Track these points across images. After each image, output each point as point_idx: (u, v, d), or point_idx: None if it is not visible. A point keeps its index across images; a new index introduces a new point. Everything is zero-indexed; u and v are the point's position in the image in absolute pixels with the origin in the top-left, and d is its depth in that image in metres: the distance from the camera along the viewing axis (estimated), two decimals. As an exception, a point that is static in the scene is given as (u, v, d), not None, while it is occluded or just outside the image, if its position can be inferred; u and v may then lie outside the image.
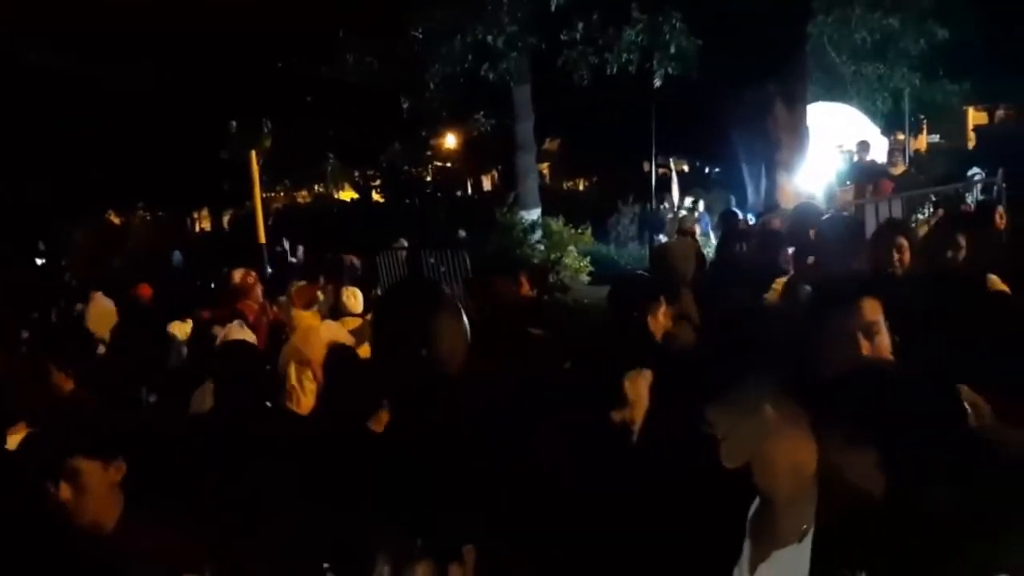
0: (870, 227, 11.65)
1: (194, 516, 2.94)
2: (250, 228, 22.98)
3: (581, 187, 32.58)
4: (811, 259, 5.77)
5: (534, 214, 17.41)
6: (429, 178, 23.91)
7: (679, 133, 18.34)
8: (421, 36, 16.19)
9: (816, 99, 17.25)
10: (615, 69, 15.55)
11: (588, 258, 15.83)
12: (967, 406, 2.39)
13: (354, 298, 7.76)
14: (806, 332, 3.07)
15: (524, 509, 2.38)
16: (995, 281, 4.54)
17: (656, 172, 15.41)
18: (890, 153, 16.31)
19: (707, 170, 25.84)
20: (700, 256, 10.15)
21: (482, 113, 19.57)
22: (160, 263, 20.45)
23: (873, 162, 14.69)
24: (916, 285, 4.53)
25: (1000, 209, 7.34)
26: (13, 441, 3.72)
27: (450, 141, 24.08)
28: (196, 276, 18.36)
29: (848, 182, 13.53)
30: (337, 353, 4.31)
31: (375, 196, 25.14)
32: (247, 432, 3.85)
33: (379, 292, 11.87)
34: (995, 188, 14.79)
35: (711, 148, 19.51)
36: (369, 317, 7.38)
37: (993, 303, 4.11)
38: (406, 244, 16.70)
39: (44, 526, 2.73)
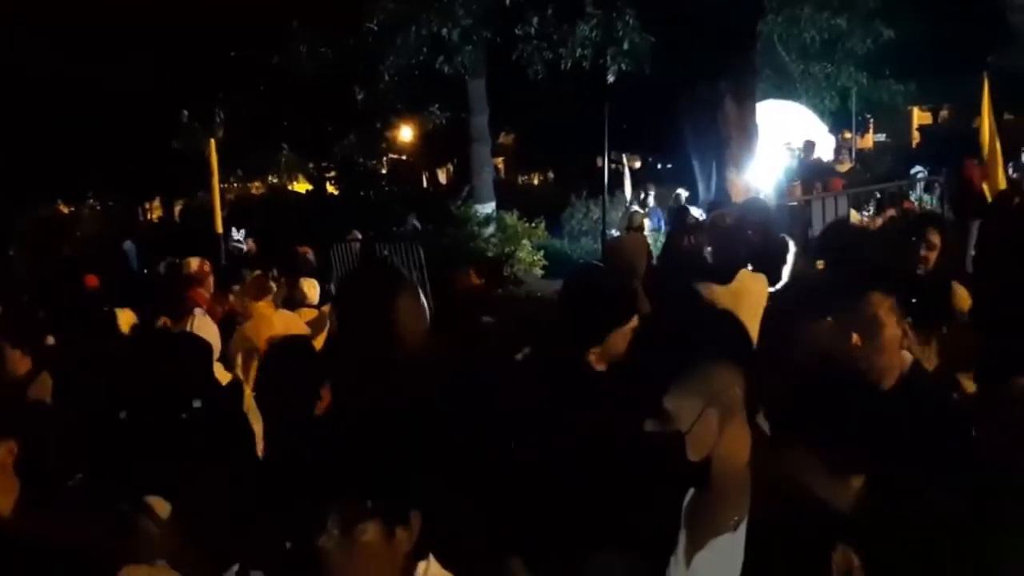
0: (817, 222, 11.96)
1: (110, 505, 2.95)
2: (203, 218, 22.81)
3: (536, 181, 32.72)
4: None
5: (488, 207, 17.52)
6: (384, 170, 23.84)
7: (632, 128, 18.51)
8: (376, 28, 16.15)
9: (766, 97, 17.47)
10: (569, 64, 15.67)
11: (542, 252, 15.98)
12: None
13: (311, 289, 7.82)
14: (795, 324, 3.17)
15: (474, 480, 2.48)
16: (962, 294, 4.61)
17: (609, 167, 15.52)
18: (837, 151, 16.67)
19: (659, 165, 26.06)
20: (649, 252, 10.35)
21: (437, 106, 19.59)
22: (111, 253, 20.20)
23: (820, 160, 14.99)
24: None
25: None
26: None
27: (405, 134, 24.03)
28: (148, 266, 18.19)
29: (796, 179, 13.79)
30: (278, 342, 4.37)
31: (330, 188, 25.01)
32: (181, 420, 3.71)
33: (333, 285, 11.93)
34: (937, 186, 15.20)
35: (663, 144, 19.68)
36: (325, 309, 7.45)
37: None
38: (360, 236, 16.68)
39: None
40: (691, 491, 2.06)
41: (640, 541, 2.12)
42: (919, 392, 2.85)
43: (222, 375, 4.90)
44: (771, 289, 5.69)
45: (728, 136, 15.54)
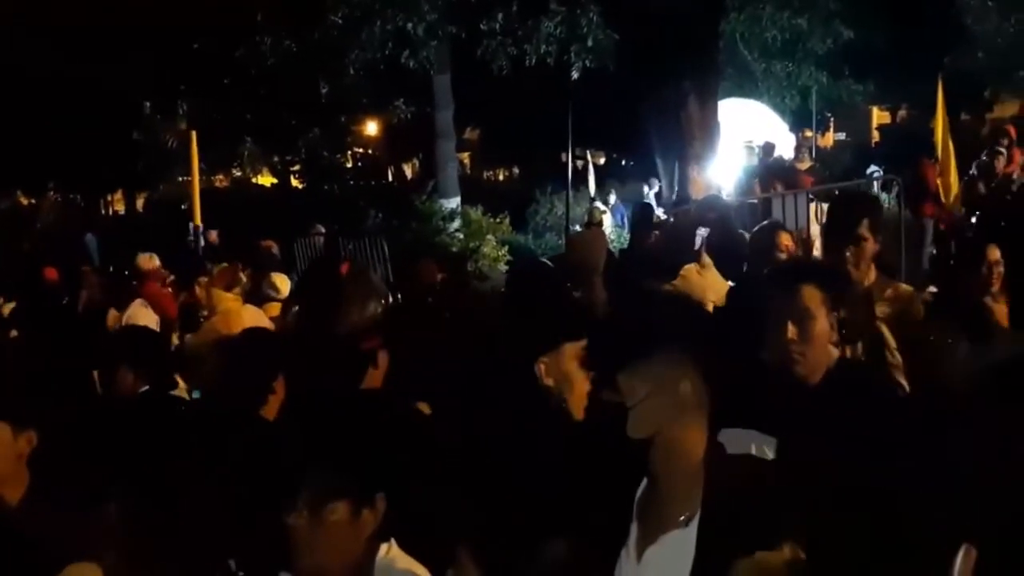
0: (776, 219, 12.12)
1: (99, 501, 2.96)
2: (166, 211, 22.65)
3: (501, 177, 32.76)
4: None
5: (453, 203, 17.55)
6: (349, 165, 23.77)
7: (596, 125, 18.61)
8: (340, 22, 16.12)
9: (728, 95, 17.70)
10: (534, 60, 15.75)
11: (506, 247, 16.04)
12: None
13: (283, 283, 7.83)
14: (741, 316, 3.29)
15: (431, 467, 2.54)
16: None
17: (573, 163, 15.63)
18: (797, 149, 16.89)
19: (624, 162, 26.19)
20: (608, 247, 10.42)
21: (402, 101, 19.57)
22: (72, 246, 19.99)
23: (780, 158, 15.19)
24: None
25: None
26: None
27: (370, 128, 24.00)
28: (111, 259, 18.01)
29: (756, 177, 13.97)
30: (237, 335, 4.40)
31: (294, 182, 24.92)
32: (146, 417, 3.79)
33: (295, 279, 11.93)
34: (895, 184, 15.45)
35: (627, 141, 19.82)
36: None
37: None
38: (323, 230, 16.66)
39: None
40: (644, 483, 2.08)
41: (591, 530, 2.15)
42: (846, 387, 2.88)
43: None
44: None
45: (691, 134, 15.72)
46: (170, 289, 8.87)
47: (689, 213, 10.83)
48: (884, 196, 14.83)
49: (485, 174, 32.35)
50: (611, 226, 14.87)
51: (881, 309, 4.02)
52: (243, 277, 7.54)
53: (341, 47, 16.32)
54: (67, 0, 17.31)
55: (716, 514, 1.95)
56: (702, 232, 7.18)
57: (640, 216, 10.69)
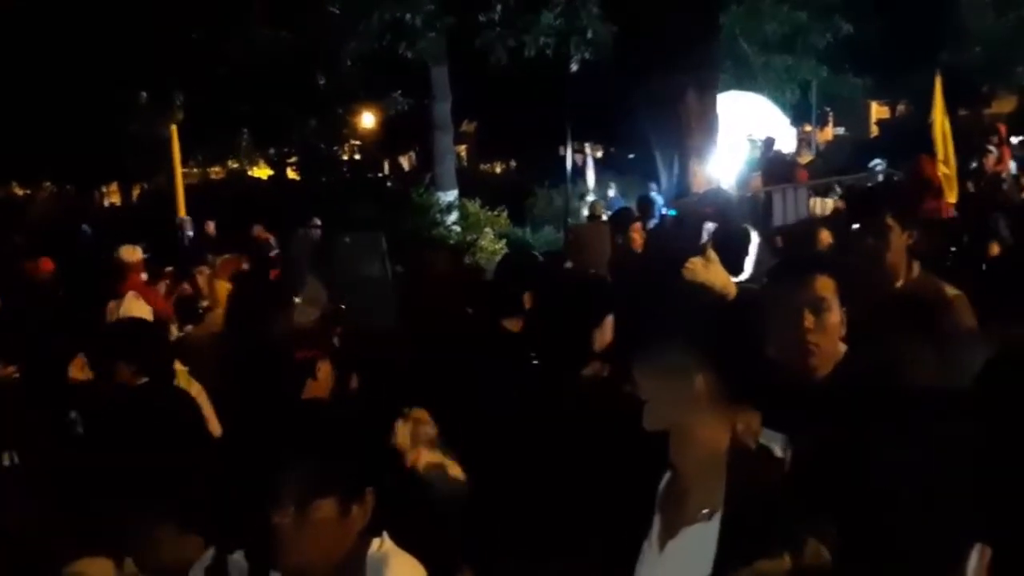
0: (778, 214, 12.09)
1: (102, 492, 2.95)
2: (161, 203, 22.54)
3: (499, 170, 32.67)
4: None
5: (451, 195, 17.45)
6: (346, 156, 23.65)
7: (594, 118, 18.53)
8: (337, 12, 16.01)
9: (727, 88, 17.61)
10: (532, 52, 15.64)
11: (504, 241, 15.94)
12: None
13: (276, 277, 7.77)
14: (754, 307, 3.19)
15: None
16: None
17: (572, 157, 15.54)
18: (798, 143, 16.84)
19: (622, 156, 26.13)
20: (611, 240, 10.39)
21: (399, 92, 19.45)
22: (67, 237, 19.88)
23: (780, 152, 15.13)
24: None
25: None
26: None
27: (367, 120, 23.86)
28: (105, 251, 17.89)
29: (757, 171, 13.91)
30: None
31: (291, 174, 24.80)
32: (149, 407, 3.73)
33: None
34: (896, 179, 15.40)
35: (626, 134, 19.74)
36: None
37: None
38: (319, 223, 16.57)
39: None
40: (666, 476, 2.09)
41: (614, 522, 2.13)
42: (854, 382, 2.81)
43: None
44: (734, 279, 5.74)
45: (690, 127, 15.62)
46: (165, 282, 8.84)
47: (691, 206, 10.80)
48: (884, 190, 14.80)
49: (482, 167, 32.27)
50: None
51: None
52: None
53: (338, 38, 16.20)
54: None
55: (739, 509, 1.95)
56: (709, 226, 7.14)
57: (647, 211, 10.62)
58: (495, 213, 17.06)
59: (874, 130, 27.23)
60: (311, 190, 20.01)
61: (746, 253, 7.07)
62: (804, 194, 12.38)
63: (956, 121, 12.14)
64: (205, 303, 7.01)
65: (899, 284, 3.92)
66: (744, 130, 16.49)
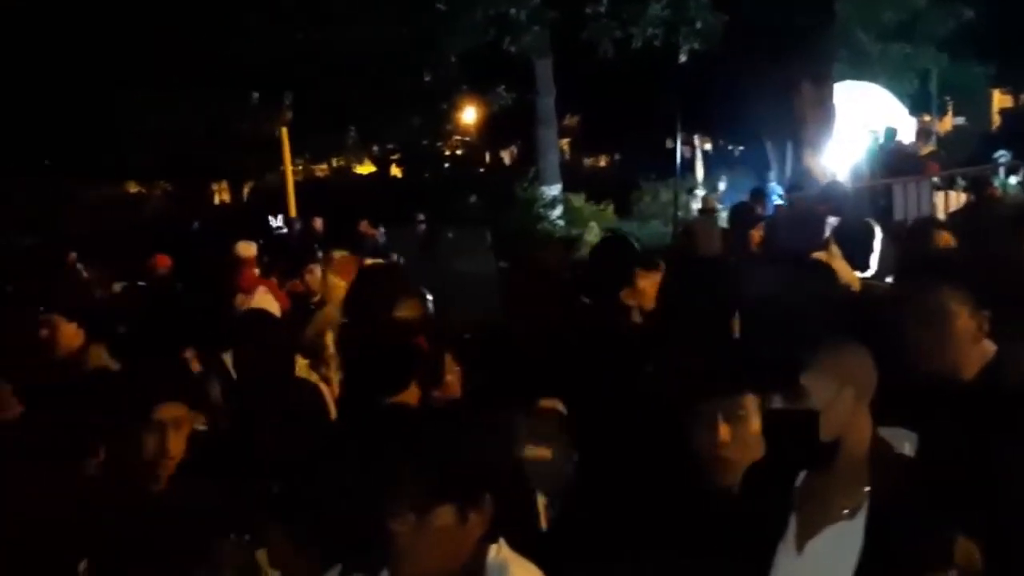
0: (898, 207, 11.56)
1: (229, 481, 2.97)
2: (269, 201, 22.99)
3: (603, 163, 32.39)
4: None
5: (555, 190, 17.31)
6: (448, 152, 23.74)
7: (703, 110, 18.16)
8: (443, 8, 16.05)
9: (843, 78, 17.04)
10: (639, 44, 15.40)
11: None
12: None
13: (379, 272, 7.74)
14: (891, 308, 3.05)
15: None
16: None
17: (680, 150, 15.24)
18: (918, 134, 16.15)
19: (731, 148, 25.66)
20: (724, 234, 10.12)
21: (503, 87, 19.40)
22: (179, 235, 20.41)
23: (901, 143, 14.54)
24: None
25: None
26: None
27: (468, 115, 23.90)
28: (216, 248, 18.29)
29: (877, 164, 13.39)
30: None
31: (394, 170, 25.02)
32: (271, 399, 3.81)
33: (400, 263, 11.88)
34: (1022, 170, 14.65)
35: (736, 126, 19.30)
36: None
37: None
38: (423, 218, 16.61)
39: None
40: (803, 473, 2.06)
41: (748, 524, 2.11)
42: (1003, 381, 2.69)
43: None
44: (860, 276, 5.47)
45: (803, 117, 15.22)
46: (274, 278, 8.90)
47: (807, 200, 10.45)
48: (1011, 182, 14.11)
49: (585, 161, 32.04)
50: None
51: None
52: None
53: (443, 34, 16.22)
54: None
55: (885, 507, 1.93)
56: (832, 221, 6.88)
57: (738, 215, 10.31)
58: (600, 207, 16.85)
59: (996, 120, 26.16)
60: (414, 186, 20.12)
61: (870, 249, 6.75)
62: (927, 187, 11.82)
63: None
64: (316, 299, 6.97)
65: None
66: (860, 121, 15.90)
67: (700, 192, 17.16)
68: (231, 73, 17.95)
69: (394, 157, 24.06)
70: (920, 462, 2.21)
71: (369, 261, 8.22)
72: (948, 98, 24.14)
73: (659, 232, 16.38)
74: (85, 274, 10.84)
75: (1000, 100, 27.69)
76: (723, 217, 11.74)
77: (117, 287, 10.45)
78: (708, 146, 24.74)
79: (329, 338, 5.76)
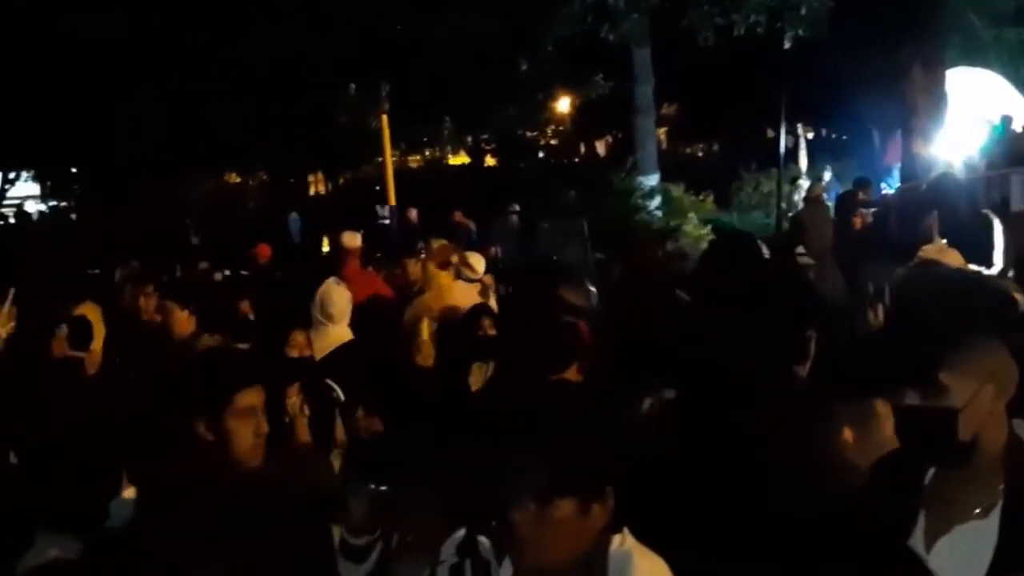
0: (1016, 198, 11.04)
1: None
2: (364, 192, 23.26)
3: (701, 153, 31.92)
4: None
5: (652, 180, 17.03)
6: (543, 142, 23.67)
7: (807, 98, 17.69)
8: (540, -4, 15.92)
9: (954, 64, 16.39)
10: (741, 31, 15.03)
11: (709, 226, 15.42)
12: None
13: (477, 262, 7.73)
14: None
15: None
16: None
17: (783, 138, 14.84)
18: (1038, 121, 15.46)
19: (835, 137, 25.01)
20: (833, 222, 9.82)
21: (601, 76, 19.19)
22: (277, 224, 20.79)
23: (1016, 132, 13.94)
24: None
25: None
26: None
27: (563, 105, 23.75)
28: (313, 238, 18.59)
29: (993, 153, 12.83)
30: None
31: (488, 160, 25.04)
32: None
33: (497, 254, 11.86)
34: None
35: (841, 114, 18.75)
36: (487, 279, 7.33)
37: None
38: (518, 209, 16.55)
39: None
40: (931, 472, 2.03)
41: (876, 520, 2.07)
42: None
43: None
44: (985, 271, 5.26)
45: (914, 105, 14.71)
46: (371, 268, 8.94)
47: (918, 190, 10.13)
48: None
49: (682, 150, 31.62)
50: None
51: None
52: (455, 257, 7.48)
53: (540, 23, 16.09)
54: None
55: (1022, 505, 1.89)
56: (936, 213, 6.65)
57: (843, 202, 10.02)
58: (699, 198, 16.52)
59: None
60: (509, 176, 20.06)
61: (990, 242, 6.42)
62: (1049, 178, 11.26)
63: None
64: (416, 288, 6.97)
65: None
66: (974, 109, 15.28)
67: (803, 182, 16.69)
68: (330, 64, 18.14)
69: (488, 147, 24.06)
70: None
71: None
72: (1067, 85, 23.07)
73: (761, 223, 16.02)
74: (203, 263, 11.10)
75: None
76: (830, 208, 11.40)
77: (219, 276, 10.71)
78: (811, 135, 24.15)
79: (425, 325, 5.76)
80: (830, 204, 13.25)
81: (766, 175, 17.61)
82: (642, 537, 2.07)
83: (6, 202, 27.75)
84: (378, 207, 18.59)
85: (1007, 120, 13.69)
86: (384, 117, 12.71)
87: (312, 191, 31.73)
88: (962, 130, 14.50)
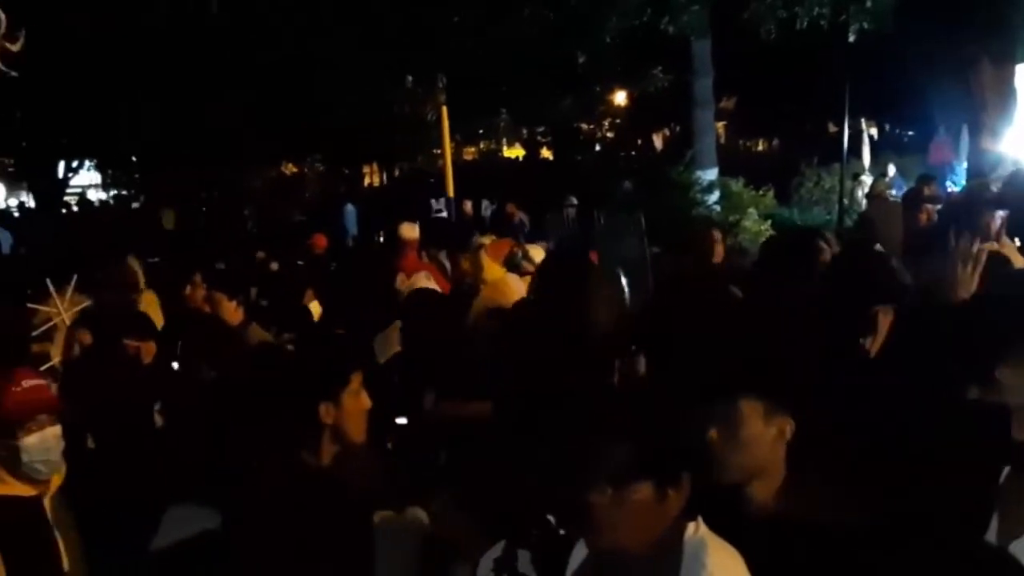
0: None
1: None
2: (419, 184, 23.35)
3: (760, 147, 31.55)
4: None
5: (711, 174, 16.79)
6: (599, 135, 23.53)
7: (871, 93, 17.34)
8: (599, -12, 15.77)
9: (1024, 59, 16.00)
10: (804, 24, 14.74)
11: (769, 221, 15.18)
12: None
13: (537, 254, 7.67)
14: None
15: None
16: None
17: (847, 134, 14.53)
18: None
19: (899, 132, 24.55)
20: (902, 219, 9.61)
21: (660, 68, 18.99)
22: (333, 215, 20.91)
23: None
24: None
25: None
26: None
27: (620, 97, 23.58)
28: (369, 229, 18.69)
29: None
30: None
31: (544, 152, 24.97)
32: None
33: (550, 248, 11.78)
34: None
35: (906, 109, 18.37)
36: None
37: None
38: (575, 202, 16.45)
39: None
40: (1006, 472, 2.01)
41: (947, 523, 2.05)
42: None
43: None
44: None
45: (982, 100, 14.38)
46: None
47: (983, 188, 9.89)
48: None
49: (741, 144, 31.26)
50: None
51: None
52: (516, 250, 7.44)
53: (598, 15, 15.94)
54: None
55: None
56: (1002, 213, 6.47)
57: (909, 199, 9.83)
58: (759, 193, 16.25)
59: None
60: (565, 169, 19.97)
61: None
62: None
63: None
64: (471, 282, 6.95)
65: None
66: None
67: (866, 178, 16.34)
68: (386, 56, 18.18)
69: (544, 140, 23.99)
70: None
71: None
72: None
73: (822, 220, 15.73)
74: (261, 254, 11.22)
75: None
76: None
77: (274, 265, 10.78)
78: (874, 130, 23.73)
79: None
80: (896, 200, 12.99)
81: (828, 171, 17.28)
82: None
83: (69, 190, 28.37)
84: (433, 200, 18.65)
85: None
86: (444, 109, 12.69)
87: (367, 182, 31.94)
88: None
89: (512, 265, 7.61)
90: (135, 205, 30.53)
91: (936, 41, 14.51)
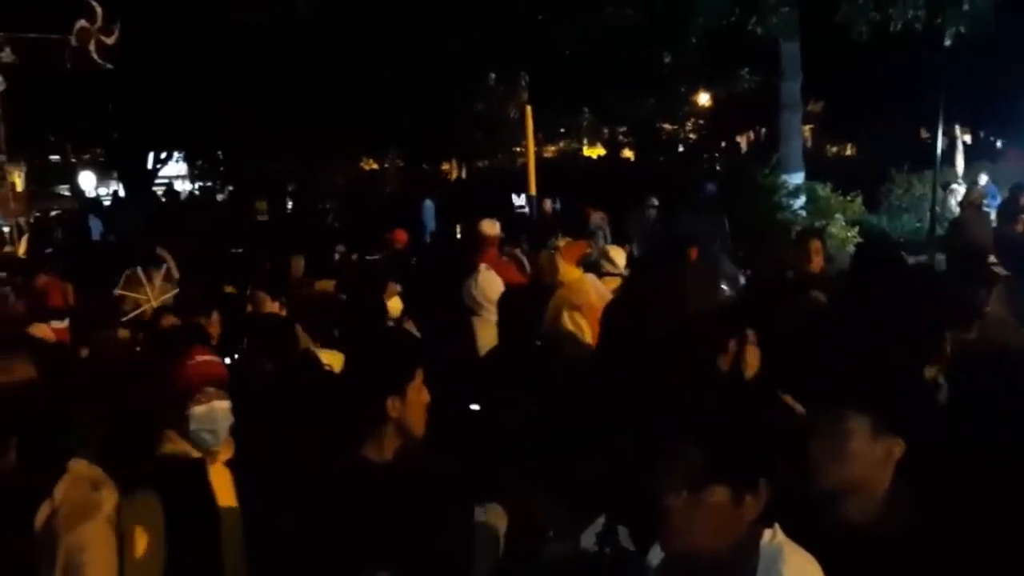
0: None
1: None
2: (498, 180, 23.33)
3: (848, 152, 30.86)
4: None
5: (797, 178, 16.46)
6: (682, 135, 23.27)
7: (966, 98, 16.79)
8: (686, -13, 15.58)
9: None
10: (898, 27, 14.34)
11: (856, 228, 14.81)
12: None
13: (618, 255, 7.60)
14: None
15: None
16: None
17: (940, 140, 14.09)
18: None
19: (993, 140, 23.76)
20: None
21: (747, 70, 18.69)
22: (412, 210, 21.02)
23: None
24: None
25: None
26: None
27: (704, 98, 23.28)
28: (443, 224, 18.76)
29: None
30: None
31: (626, 152, 24.78)
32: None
33: (632, 249, 11.67)
34: None
35: (1002, 117, 17.74)
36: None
37: None
38: (657, 203, 16.23)
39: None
40: None
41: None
42: None
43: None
44: None
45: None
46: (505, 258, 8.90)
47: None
48: None
49: (828, 148, 30.62)
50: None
51: None
52: (591, 251, 7.38)
53: (685, 14, 15.75)
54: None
55: None
56: None
57: (1004, 208, 9.55)
58: (847, 198, 15.89)
59: None
60: (647, 169, 19.77)
61: None
62: None
63: None
64: (548, 281, 6.88)
65: None
66: None
67: (957, 187, 15.83)
68: (469, 54, 18.23)
69: (626, 140, 23.81)
70: None
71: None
72: None
73: (911, 227, 15.31)
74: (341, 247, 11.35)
75: None
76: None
77: (354, 258, 10.88)
78: (967, 137, 22.99)
79: (566, 316, 5.69)
80: (989, 210, 12.55)
81: (919, 177, 16.79)
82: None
83: (157, 180, 29.12)
84: (514, 196, 18.61)
85: None
86: (528, 107, 12.67)
87: (452, 176, 32.11)
88: None
89: (588, 265, 7.56)
90: (220, 197, 31.20)
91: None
